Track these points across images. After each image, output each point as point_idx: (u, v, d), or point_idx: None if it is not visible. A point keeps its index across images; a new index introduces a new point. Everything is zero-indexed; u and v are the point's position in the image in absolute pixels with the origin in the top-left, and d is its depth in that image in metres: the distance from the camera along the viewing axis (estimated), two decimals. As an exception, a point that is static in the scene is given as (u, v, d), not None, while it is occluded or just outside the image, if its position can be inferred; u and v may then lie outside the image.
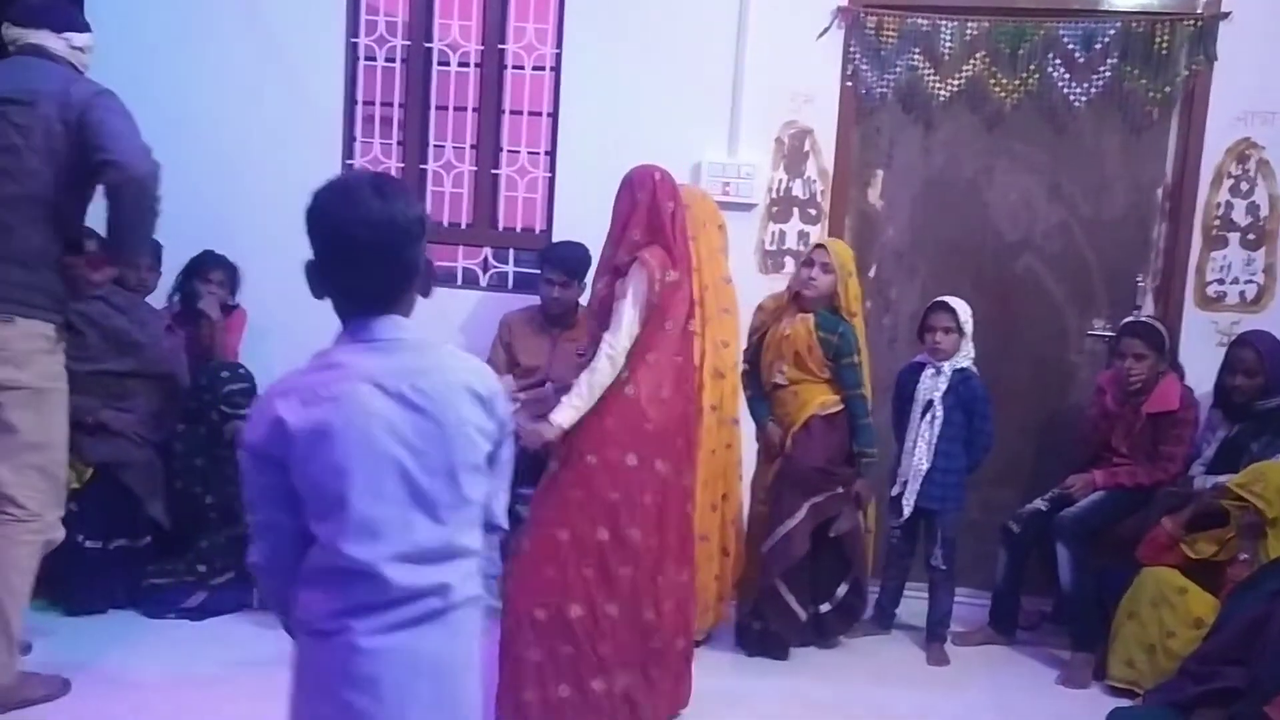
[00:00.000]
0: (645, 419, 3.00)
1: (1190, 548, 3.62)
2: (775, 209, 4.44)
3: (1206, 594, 3.52)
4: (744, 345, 3.97)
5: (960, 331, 3.91)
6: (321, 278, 1.65)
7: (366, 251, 1.62)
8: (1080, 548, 3.85)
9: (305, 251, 1.65)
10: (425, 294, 1.71)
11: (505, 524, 1.84)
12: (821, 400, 3.80)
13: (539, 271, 4.28)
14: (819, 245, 3.89)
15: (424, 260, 1.68)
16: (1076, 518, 3.90)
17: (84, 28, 3.16)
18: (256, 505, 1.65)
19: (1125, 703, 3.52)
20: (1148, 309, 4.37)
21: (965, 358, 3.94)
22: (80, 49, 3.11)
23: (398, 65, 4.66)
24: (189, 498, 3.95)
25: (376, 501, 1.58)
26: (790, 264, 4.38)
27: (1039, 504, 4.04)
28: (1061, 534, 3.88)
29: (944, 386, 3.91)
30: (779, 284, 4.27)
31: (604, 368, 2.99)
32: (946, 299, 3.96)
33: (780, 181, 4.43)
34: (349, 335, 1.65)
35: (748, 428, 3.95)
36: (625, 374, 3.02)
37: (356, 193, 1.62)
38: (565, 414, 2.99)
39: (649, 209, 3.12)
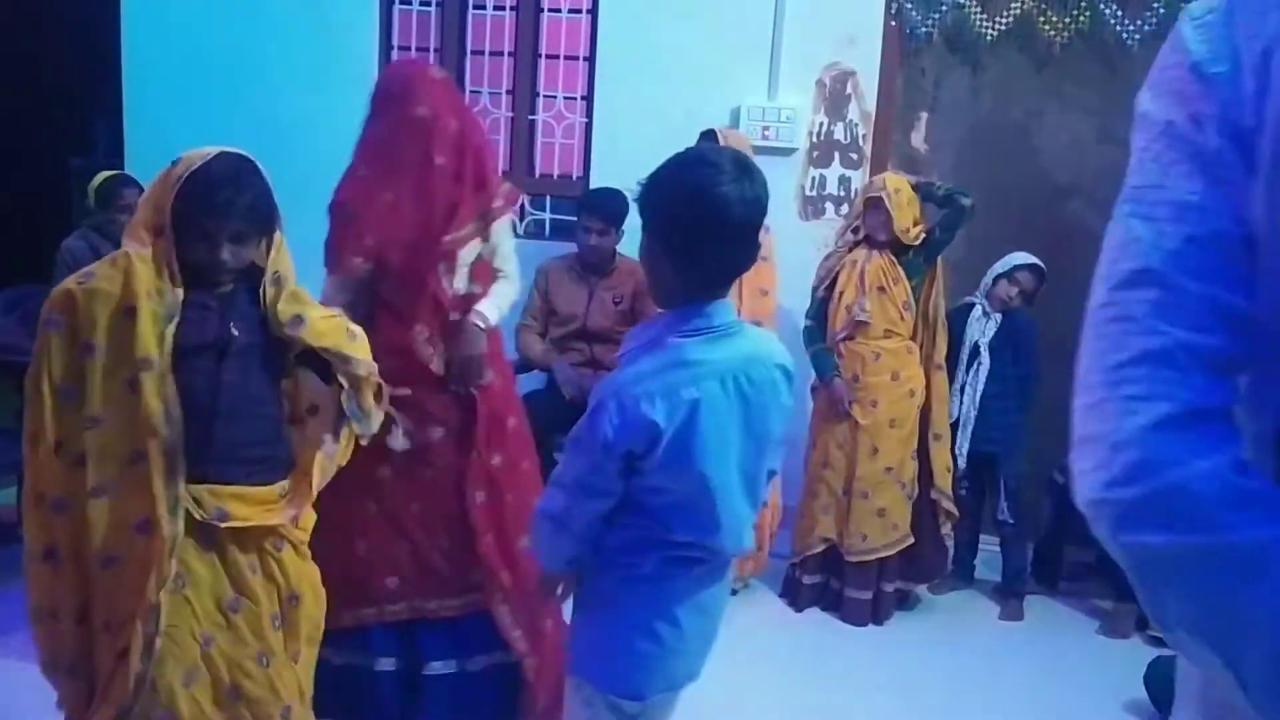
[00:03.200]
0: None
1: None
2: (816, 153, 4.36)
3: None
4: (790, 298, 3.90)
5: (1035, 297, 3.88)
6: (669, 258, 1.60)
7: (738, 231, 1.58)
8: (1125, 499, 3.79)
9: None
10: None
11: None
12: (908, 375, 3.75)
13: (576, 219, 4.25)
14: (874, 195, 3.72)
15: None
16: (1122, 468, 3.83)
17: None
18: (593, 485, 1.68)
19: (1167, 653, 3.49)
20: (1199, 254, 4.25)
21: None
22: None
23: (433, 10, 4.61)
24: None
25: (729, 500, 1.70)
26: (830, 209, 4.31)
27: (1083, 453, 3.97)
28: (1106, 485, 3.82)
29: (993, 331, 3.85)
30: (819, 230, 4.21)
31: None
32: (1040, 264, 3.90)
33: (821, 125, 4.34)
34: (690, 324, 1.62)
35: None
36: None
37: (730, 170, 1.56)
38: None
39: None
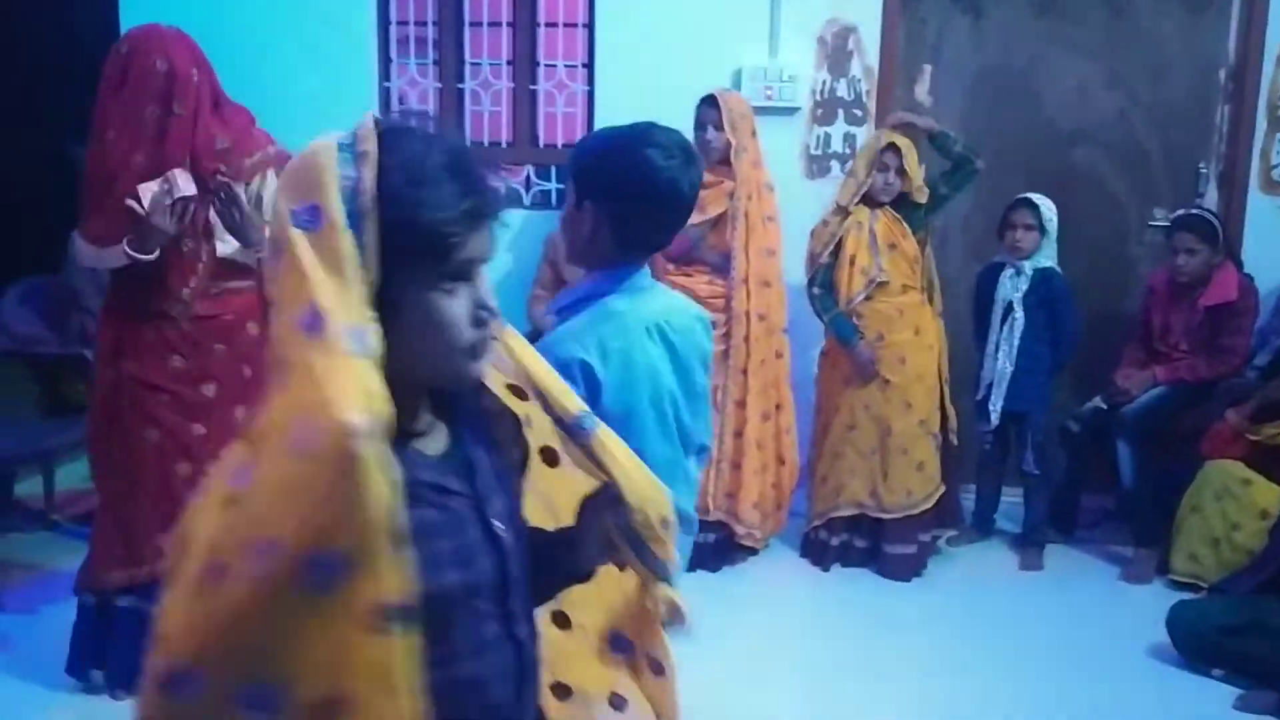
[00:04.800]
0: None
1: (1258, 433, 3.57)
2: (819, 111, 4.33)
3: (1272, 484, 3.48)
4: (795, 259, 3.89)
5: (1042, 229, 3.82)
6: (610, 225, 1.70)
7: (679, 209, 1.74)
8: (1141, 444, 3.80)
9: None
10: None
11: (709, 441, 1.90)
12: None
13: (582, 187, 4.23)
14: (890, 147, 3.73)
15: None
16: (1137, 414, 3.84)
17: None
18: None
19: (1190, 596, 3.50)
20: (1210, 197, 4.23)
21: (1047, 257, 3.86)
22: None
23: (429, -18, 4.58)
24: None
25: (664, 447, 1.69)
26: (836, 168, 4.29)
27: (1098, 402, 3.97)
28: (1122, 431, 3.83)
29: (1024, 287, 3.83)
30: (825, 188, 4.19)
31: None
32: (1031, 195, 3.85)
33: (824, 83, 4.31)
34: (619, 284, 1.72)
35: (796, 337, 3.91)
36: None
37: (679, 155, 1.71)
38: None
39: None
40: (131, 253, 2.61)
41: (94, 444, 2.86)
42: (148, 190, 2.59)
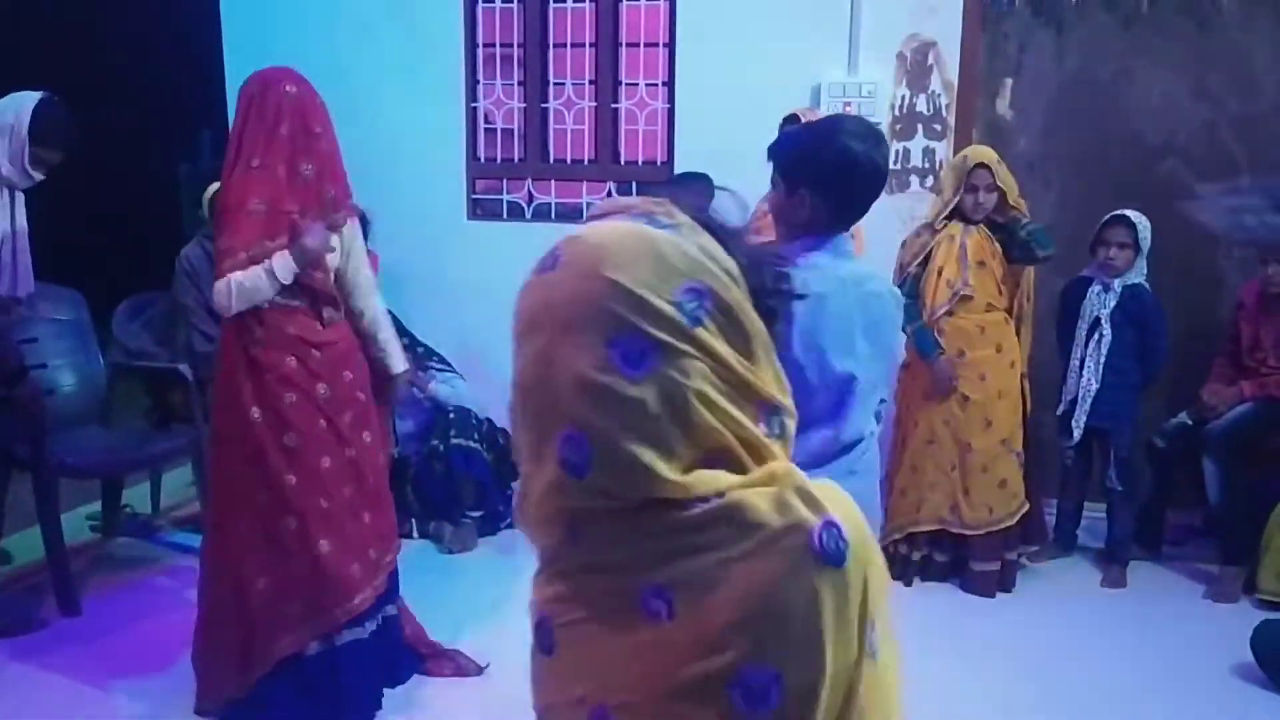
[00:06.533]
0: None
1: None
2: (899, 126, 4.35)
3: (1365, 504, 3.40)
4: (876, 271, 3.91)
5: (1137, 247, 3.78)
6: (822, 200, 1.99)
7: (881, 182, 2.06)
8: (1229, 461, 3.74)
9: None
10: None
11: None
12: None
13: (663, 204, 4.30)
14: (980, 166, 3.69)
15: None
16: (1224, 431, 3.78)
17: None
18: None
19: (1275, 616, 3.44)
20: (1303, 209, 4.14)
21: (1138, 274, 3.82)
22: None
23: (515, 4, 4.71)
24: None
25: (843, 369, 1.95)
26: (915, 182, 4.30)
27: (1184, 418, 3.92)
28: (1209, 448, 3.77)
29: (1113, 304, 3.80)
30: (903, 204, 4.21)
31: None
32: (1126, 212, 3.81)
33: (903, 98, 4.33)
34: (825, 245, 2.01)
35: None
36: None
37: (877, 135, 2.05)
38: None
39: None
40: (294, 262, 2.62)
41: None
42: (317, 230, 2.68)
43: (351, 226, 2.83)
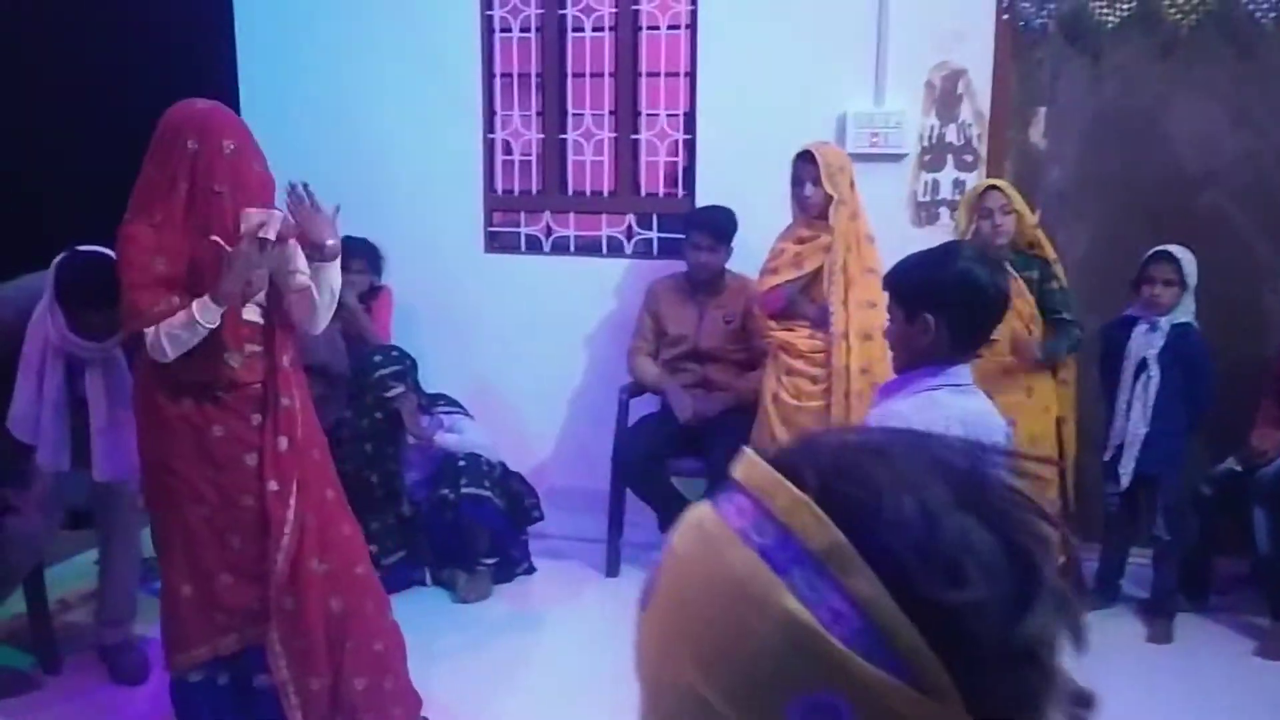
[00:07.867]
0: None
1: None
2: (928, 157, 4.21)
3: None
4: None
5: (1183, 284, 3.62)
6: (947, 326, 2.04)
7: (1004, 307, 2.13)
8: (1279, 509, 3.55)
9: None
10: None
11: None
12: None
13: (684, 237, 4.19)
14: (990, 188, 3.65)
15: None
16: (1274, 478, 3.59)
17: None
18: None
19: (1334, 677, 3.24)
20: (1353, 242, 3.96)
21: (1185, 312, 3.66)
22: None
23: (533, 34, 4.61)
24: (358, 482, 3.99)
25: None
26: (946, 215, 4.15)
27: (1232, 464, 3.73)
28: (1258, 495, 3.58)
29: (1160, 344, 3.63)
30: (934, 237, 4.04)
31: None
32: (1170, 248, 3.65)
33: (932, 128, 4.18)
34: (947, 376, 2.05)
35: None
36: None
37: (995, 262, 2.15)
38: None
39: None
40: (213, 303, 2.51)
41: None
42: (254, 215, 2.52)
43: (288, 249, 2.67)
